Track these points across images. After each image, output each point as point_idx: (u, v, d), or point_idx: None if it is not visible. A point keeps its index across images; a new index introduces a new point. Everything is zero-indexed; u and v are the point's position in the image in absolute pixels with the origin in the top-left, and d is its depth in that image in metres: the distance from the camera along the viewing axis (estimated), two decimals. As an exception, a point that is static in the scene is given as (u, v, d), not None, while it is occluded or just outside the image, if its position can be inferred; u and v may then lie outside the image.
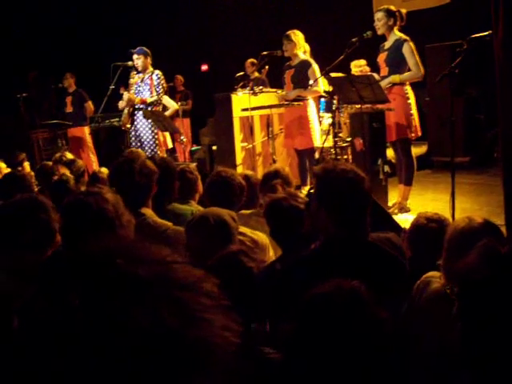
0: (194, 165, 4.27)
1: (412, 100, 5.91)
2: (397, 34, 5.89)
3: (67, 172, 5.85)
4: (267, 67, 9.49)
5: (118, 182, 3.27)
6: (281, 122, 7.27)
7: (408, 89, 5.90)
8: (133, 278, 0.57)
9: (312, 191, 2.40)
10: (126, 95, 7.18)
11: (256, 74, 9.28)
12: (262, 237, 3.24)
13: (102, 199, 2.35)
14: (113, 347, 0.52)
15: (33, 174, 5.89)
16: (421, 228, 2.75)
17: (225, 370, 0.56)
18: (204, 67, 13.55)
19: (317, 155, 6.65)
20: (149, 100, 7.09)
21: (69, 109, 9.28)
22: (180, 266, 0.61)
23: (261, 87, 7.12)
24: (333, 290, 1.56)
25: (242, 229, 3.32)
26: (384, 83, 5.73)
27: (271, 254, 3.24)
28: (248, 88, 6.87)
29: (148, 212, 3.19)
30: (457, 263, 1.51)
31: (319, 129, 6.90)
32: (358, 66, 7.61)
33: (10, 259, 2.08)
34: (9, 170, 6.23)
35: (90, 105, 9.18)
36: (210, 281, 0.62)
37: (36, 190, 4.71)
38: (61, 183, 4.47)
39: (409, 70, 5.82)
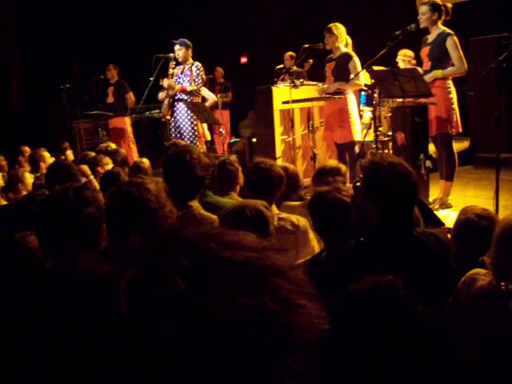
0: (234, 157, 4.27)
1: (454, 95, 5.80)
2: (440, 27, 5.78)
3: (110, 162, 5.94)
4: (311, 61, 9.43)
5: (174, 172, 3.27)
6: (321, 115, 7.22)
7: (450, 83, 5.80)
8: (231, 263, 0.58)
9: (358, 184, 2.38)
10: (166, 82, 7.23)
11: (295, 68, 9.24)
12: (301, 219, 3.26)
13: (145, 189, 2.36)
14: (217, 331, 0.53)
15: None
16: (471, 224, 2.70)
17: (314, 356, 0.57)
18: (243, 59, 13.55)
19: (357, 149, 6.58)
20: (189, 88, 7.13)
21: (110, 99, 9.39)
22: (272, 253, 0.62)
23: (301, 80, 7.08)
24: (369, 286, 1.60)
25: (282, 213, 3.34)
26: (426, 78, 5.63)
27: (311, 237, 3.24)
28: (289, 81, 6.84)
29: (195, 204, 3.20)
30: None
31: (360, 123, 6.83)
32: (405, 56, 7.50)
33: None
34: (53, 159, 6.35)
35: (131, 96, 9.27)
36: (300, 268, 0.63)
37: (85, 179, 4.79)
38: (111, 175, 4.54)
39: (452, 64, 5.71)
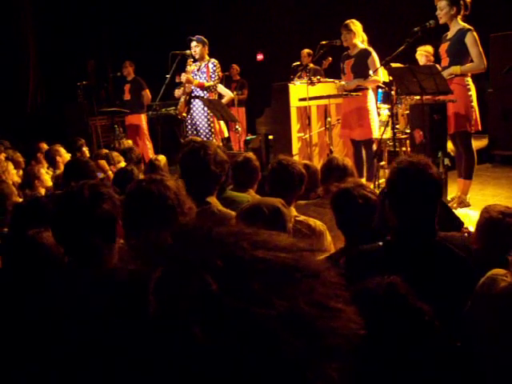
0: (251, 153, 4.25)
1: (473, 92, 5.72)
2: (460, 23, 5.70)
3: (122, 160, 5.95)
4: (330, 59, 9.38)
5: (190, 168, 3.26)
6: (338, 113, 7.18)
7: (469, 80, 5.72)
8: (265, 263, 0.56)
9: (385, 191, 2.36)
10: (184, 77, 7.23)
11: (311, 65, 9.20)
12: (318, 224, 3.22)
13: (164, 186, 2.35)
14: (250, 335, 0.51)
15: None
16: (495, 223, 2.66)
17: (348, 361, 0.55)
18: (259, 57, 13.52)
19: (374, 147, 6.54)
20: (206, 84, 7.14)
21: (127, 96, 9.41)
22: (307, 254, 0.60)
23: (318, 77, 7.04)
24: (372, 285, 1.66)
25: (299, 216, 3.30)
26: (444, 74, 5.56)
27: (329, 240, 3.21)
28: (306, 78, 6.80)
29: (213, 200, 3.19)
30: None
31: (378, 120, 6.78)
32: (427, 52, 7.42)
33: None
34: (69, 155, 6.37)
35: (147, 93, 9.29)
36: (334, 270, 0.60)
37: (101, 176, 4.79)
38: (125, 172, 4.53)
39: (471, 61, 5.64)
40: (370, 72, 6.33)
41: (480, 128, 5.87)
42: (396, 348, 1.57)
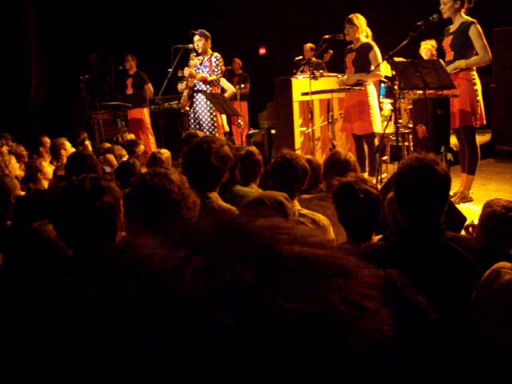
0: (254, 147, 4.25)
1: (478, 86, 5.70)
2: (463, 16, 5.68)
3: (125, 154, 5.95)
4: (331, 51, 9.36)
5: (192, 161, 3.25)
6: (340, 107, 7.17)
7: (475, 74, 5.70)
8: (300, 258, 0.55)
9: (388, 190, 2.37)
10: (186, 71, 7.22)
11: (314, 59, 9.18)
12: (323, 218, 3.23)
13: (168, 180, 2.34)
14: (281, 329, 0.50)
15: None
16: (498, 217, 2.66)
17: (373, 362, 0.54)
18: (262, 51, 13.50)
19: (376, 141, 6.53)
20: (209, 78, 7.13)
21: (129, 90, 9.40)
22: (340, 252, 0.59)
23: (321, 71, 7.03)
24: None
25: (303, 210, 3.31)
26: (450, 69, 5.54)
27: (332, 236, 3.21)
28: (309, 72, 6.79)
29: (214, 196, 3.18)
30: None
31: (380, 114, 6.77)
32: (430, 45, 7.39)
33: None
34: (73, 149, 6.37)
35: (149, 87, 9.28)
36: (368, 269, 0.60)
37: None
38: (127, 166, 4.53)
39: (475, 54, 5.62)
40: (372, 66, 6.32)
41: (485, 122, 5.85)
42: (392, 341, 1.58)
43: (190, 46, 7.32)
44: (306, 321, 0.51)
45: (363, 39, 6.50)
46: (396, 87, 6.42)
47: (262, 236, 0.57)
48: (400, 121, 6.80)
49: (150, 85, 9.28)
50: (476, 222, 3.03)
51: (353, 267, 0.58)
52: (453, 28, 5.76)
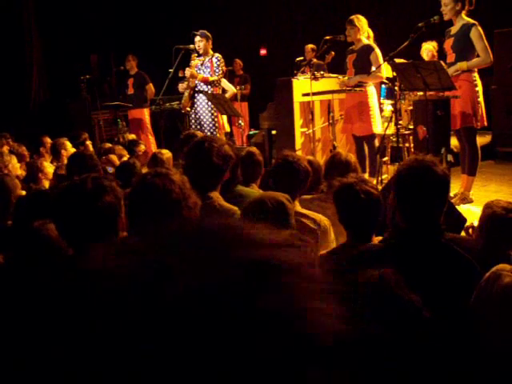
0: (255, 148, 4.25)
1: (480, 88, 5.71)
2: (464, 18, 5.68)
3: (126, 154, 5.95)
4: (333, 53, 9.36)
5: (193, 160, 3.25)
6: (341, 108, 7.17)
7: (476, 76, 5.70)
8: (244, 262, 0.54)
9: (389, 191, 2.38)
10: (187, 71, 7.23)
11: (315, 60, 9.18)
12: (324, 219, 3.23)
13: (169, 180, 2.35)
14: (228, 333, 0.50)
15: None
16: (498, 218, 2.66)
17: (336, 359, 0.53)
18: (263, 51, 13.51)
19: (377, 142, 6.53)
20: (211, 78, 7.14)
21: (130, 91, 9.41)
22: (285, 249, 0.57)
23: (322, 72, 7.03)
24: (364, 277, 1.72)
25: (304, 211, 3.31)
26: (451, 71, 5.55)
27: (332, 237, 3.21)
28: (309, 73, 6.79)
29: (215, 195, 3.18)
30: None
31: (380, 115, 6.77)
32: (432, 46, 7.39)
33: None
34: (74, 149, 6.38)
35: (151, 87, 9.28)
36: (317, 264, 0.59)
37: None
38: (127, 166, 4.54)
39: (477, 56, 5.62)
40: (372, 68, 6.32)
41: (486, 124, 5.86)
42: (385, 338, 1.59)
43: (191, 46, 7.33)
44: (254, 324, 0.51)
45: (364, 40, 6.51)
46: (397, 88, 6.42)
47: (211, 238, 0.57)
48: (400, 122, 6.80)
49: (151, 84, 9.29)
50: (476, 223, 3.04)
51: (299, 263, 0.57)
52: (454, 30, 5.76)
